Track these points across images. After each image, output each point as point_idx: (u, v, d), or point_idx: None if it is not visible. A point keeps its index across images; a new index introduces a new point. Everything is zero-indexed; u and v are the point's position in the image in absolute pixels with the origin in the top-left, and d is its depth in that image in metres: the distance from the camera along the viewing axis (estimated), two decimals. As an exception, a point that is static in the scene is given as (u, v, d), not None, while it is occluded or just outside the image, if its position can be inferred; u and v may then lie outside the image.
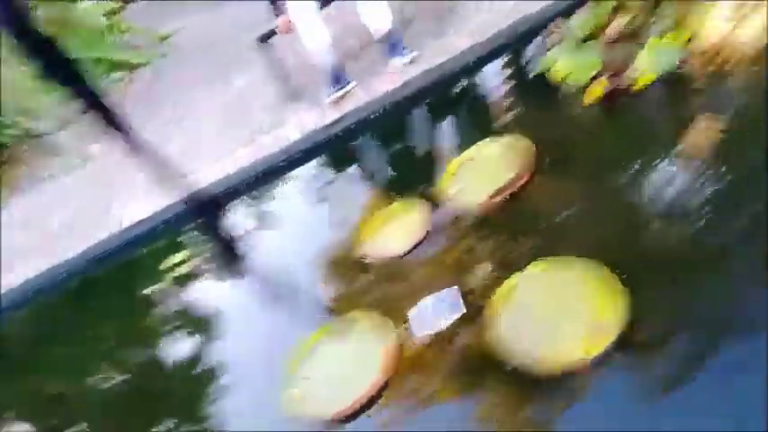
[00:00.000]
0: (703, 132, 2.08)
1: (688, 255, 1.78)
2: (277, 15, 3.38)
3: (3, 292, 3.29)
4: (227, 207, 3.31)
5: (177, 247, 3.28)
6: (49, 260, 3.39)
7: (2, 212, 4.44)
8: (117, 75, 5.31)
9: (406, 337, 1.93)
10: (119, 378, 2.70)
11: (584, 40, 2.83)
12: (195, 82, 4.84)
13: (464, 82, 3.36)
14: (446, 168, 2.60)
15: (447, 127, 3.18)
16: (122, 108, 5.06)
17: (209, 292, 2.94)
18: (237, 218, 3.30)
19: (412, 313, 1.98)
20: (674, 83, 2.41)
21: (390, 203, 2.60)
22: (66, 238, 3.55)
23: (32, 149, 4.98)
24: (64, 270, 3.34)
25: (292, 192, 3.36)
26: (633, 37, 2.68)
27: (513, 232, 2.15)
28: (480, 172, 2.47)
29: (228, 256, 3.09)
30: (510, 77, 3.28)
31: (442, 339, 1.87)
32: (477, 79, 3.37)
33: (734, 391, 1.36)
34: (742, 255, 1.67)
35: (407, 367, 1.87)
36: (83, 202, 3.98)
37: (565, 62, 2.75)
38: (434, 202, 2.46)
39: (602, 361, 1.55)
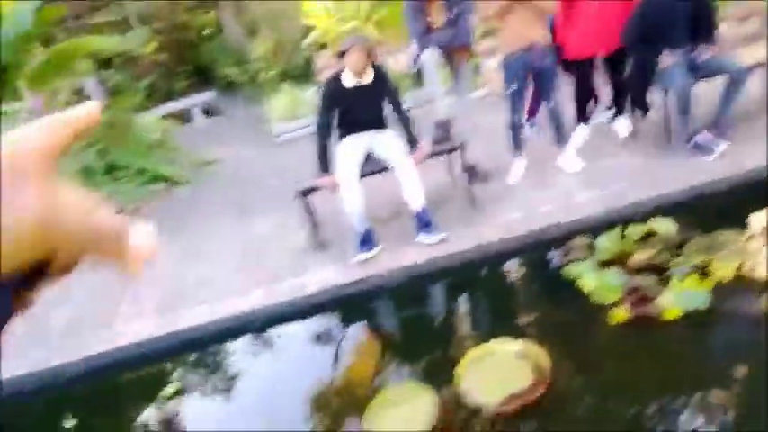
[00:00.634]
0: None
1: None
2: (323, 172, 3.62)
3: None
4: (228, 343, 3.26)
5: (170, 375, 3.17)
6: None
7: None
8: (155, 187, 5.53)
9: None
10: None
11: (608, 263, 2.98)
12: (226, 213, 5.02)
13: (488, 273, 3.46)
14: (460, 359, 2.58)
15: (466, 314, 3.21)
16: (150, 219, 5.24)
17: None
18: (235, 356, 3.23)
19: None
20: (701, 321, 2.47)
21: (398, 382, 2.55)
22: (62, 346, 3.46)
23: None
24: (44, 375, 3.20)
25: (299, 343, 3.31)
26: (657, 270, 2.82)
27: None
28: (495, 371, 2.44)
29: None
30: (533, 280, 3.39)
31: None
32: (502, 274, 3.48)
33: None
34: None
35: None
36: (85, 309, 3.92)
37: (590, 278, 2.86)
38: (444, 393, 2.40)
39: None
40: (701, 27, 3.76)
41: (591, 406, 2.21)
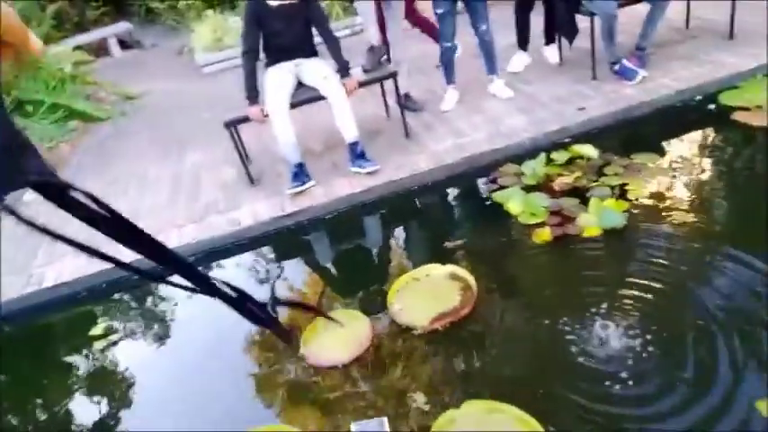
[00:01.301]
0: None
1: (611, 410, 1.87)
2: (252, 104, 3.49)
3: None
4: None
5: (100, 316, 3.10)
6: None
7: None
8: (72, 124, 5.19)
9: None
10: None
11: (535, 187, 3.09)
12: (154, 149, 4.80)
13: (420, 201, 3.52)
14: (392, 283, 2.65)
15: (397, 242, 3.27)
16: (69, 159, 4.95)
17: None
18: (165, 294, 3.18)
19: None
20: (617, 237, 2.63)
21: (335, 308, 2.60)
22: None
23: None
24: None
25: (233, 278, 3.28)
26: (579, 193, 2.95)
27: (450, 363, 2.18)
28: (425, 294, 2.53)
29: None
30: (465, 206, 3.48)
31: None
32: (433, 201, 3.55)
33: None
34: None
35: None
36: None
37: (516, 202, 2.96)
38: (377, 316, 2.48)
39: None
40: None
41: (514, 321, 2.34)
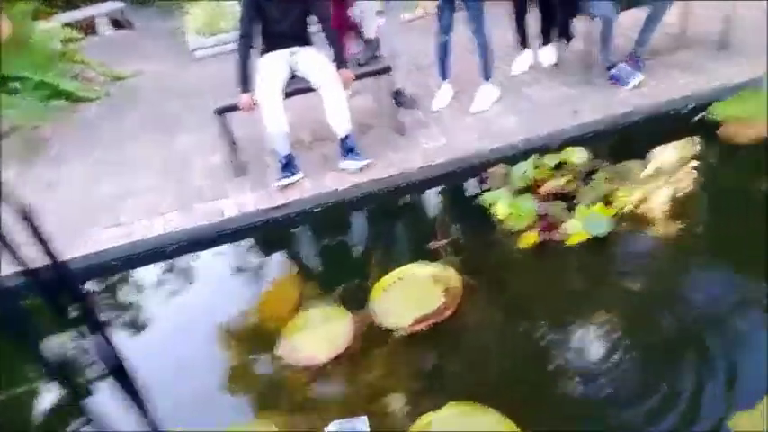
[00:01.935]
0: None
1: (589, 413, 1.87)
2: (243, 91, 3.44)
3: None
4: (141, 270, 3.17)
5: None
6: None
7: None
8: (58, 103, 5.09)
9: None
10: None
11: (523, 190, 3.08)
12: (142, 132, 4.72)
13: (409, 199, 3.49)
14: (375, 281, 2.63)
15: (384, 239, 3.25)
16: (53, 139, 4.86)
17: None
18: (147, 283, 3.14)
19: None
20: (602, 244, 2.63)
21: (316, 305, 2.57)
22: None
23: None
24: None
25: (215, 269, 3.24)
26: (566, 198, 2.94)
27: (431, 365, 2.17)
28: (408, 294, 2.51)
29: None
30: (453, 206, 3.46)
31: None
32: (421, 200, 3.52)
33: None
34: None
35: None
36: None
37: (504, 205, 2.95)
38: (360, 315, 2.45)
39: None
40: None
41: (497, 323, 2.34)
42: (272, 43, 3.54)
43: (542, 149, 3.41)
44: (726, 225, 2.72)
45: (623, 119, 3.62)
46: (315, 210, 3.35)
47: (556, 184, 3.03)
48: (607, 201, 2.86)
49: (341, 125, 3.47)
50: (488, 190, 3.16)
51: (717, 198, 2.95)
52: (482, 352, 2.21)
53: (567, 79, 4.16)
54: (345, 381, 2.17)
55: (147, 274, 3.20)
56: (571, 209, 2.83)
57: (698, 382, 1.89)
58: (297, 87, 3.53)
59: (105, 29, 8.19)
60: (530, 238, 2.71)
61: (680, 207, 2.82)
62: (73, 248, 3.12)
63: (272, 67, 3.47)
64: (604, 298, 2.32)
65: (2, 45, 4.82)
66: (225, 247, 3.28)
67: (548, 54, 4.44)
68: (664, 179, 3.02)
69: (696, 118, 3.56)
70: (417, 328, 2.32)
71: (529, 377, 2.06)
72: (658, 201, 2.85)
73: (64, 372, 2.15)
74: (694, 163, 3.20)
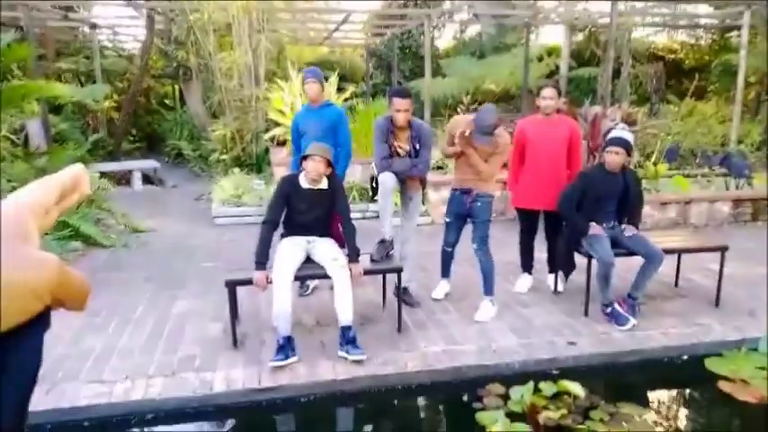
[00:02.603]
0: None
1: None
2: (258, 269, 3.56)
3: None
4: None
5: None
6: None
7: None
8: (75, 244, 5.24)
9: None
10: None
11: (519, 415, 3.02)
12: (147, 286, 4.77)
13: (401, 401, 3.40)
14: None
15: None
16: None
17: None
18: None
19: None
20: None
21: None
22: None
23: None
24: None
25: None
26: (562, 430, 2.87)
27: None
28: None
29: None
30: (445, 418, 3.36)
31: None
32: (414, 405, 3.43)
33: None
34: None
35: None
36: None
37: (499, 429, 2.86)
38: None
39: None
40: (628, 207, 4.19)
41: None
42: (294, 230, 3.77)
43: (540, 374, 3.42)
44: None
45: (618, 358, 3.68)
46: (303, 399, 3.25)
47: (552, 416, 2.98)
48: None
49: (345, 314, 3.53)
50: (483, 408, 3.10)
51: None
52: None
53: (566, 307, 4.32)
54: None
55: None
56: (568, 445, 2.75)
57: None
58: (309, 272, 3.68)
59: (137, 183, 8.74)
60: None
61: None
62: (47, 400, 2.97)
63: (290, 251, 3.65)
64: None
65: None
66: (204, 424, 3.11)
67: (552, 281, 4.66)
68: (662, 428, 2.97)
69: (692, 369, 3.62)
70: None
71: None
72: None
73: None
74: (692, 416, 3.17)
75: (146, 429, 3.02)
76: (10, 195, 0.36)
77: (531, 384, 3.24)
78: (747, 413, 3.18)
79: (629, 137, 4.10)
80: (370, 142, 4.55)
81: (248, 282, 3.60)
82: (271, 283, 3.51)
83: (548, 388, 3.26)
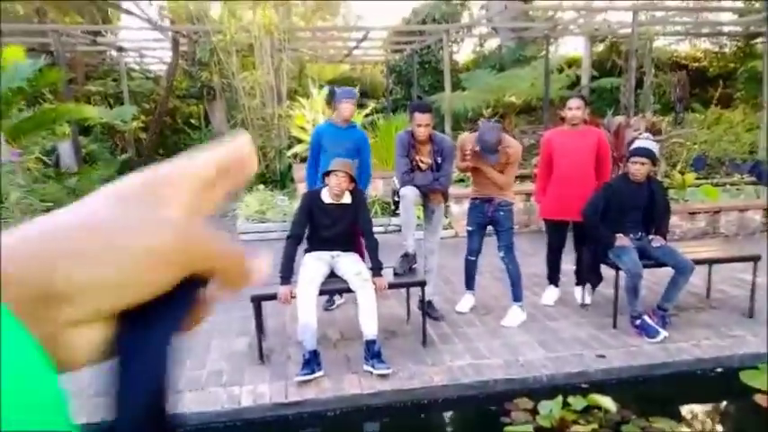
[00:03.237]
0: None
1: None
2: (283, 284, 3.59)
3: None
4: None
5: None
6: None
7: None
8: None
9: None
10: None
11: (548, 430, 2.97)
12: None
13: (427, 416, 3.38)
14: None
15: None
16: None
17: None
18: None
19: None
20: None
21: None
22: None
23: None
24: None
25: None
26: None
27: None
28: None
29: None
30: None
31: None
32: (441, 420, 3.40)
33: None
34: None
35: None
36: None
37: (528, 443, 2.82)
38: None
39: None
40: (654, 218, 4.12)
41: None
42: (318, 245, 3.80)
43: (566, 387, 3.37)
44: None
45: (649, 371, 3.60)
46: (328, 413, 3.25)
47: (582, 430, 2.93)
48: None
49: (369, 328, 3.53)
50: (511, 423, 3.06)
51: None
52: None
53: (594, 320, 4.25)
54: None
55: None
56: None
57: None
58: (333, 287, 3.70)
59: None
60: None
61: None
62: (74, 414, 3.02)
63: (314, 266, 3.67)
64: None
65: (67, 203, 5.26)
66: (230, 439, 3.12)
67: (579, 293, 4.60)
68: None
69: (726, 382, 3.52)
70: None
71: None
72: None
73: None
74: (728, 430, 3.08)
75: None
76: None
77: (560, 398, 3.19)
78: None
79: (652, 146, 4.05)
80: (391, 157, 4.60)
81: (273, 297, 3.63)
82: (295, 297, 3.54)
83: (577, 402, 3.21)
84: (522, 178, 7.28)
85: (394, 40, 13.30)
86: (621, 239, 4.00)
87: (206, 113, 12.34)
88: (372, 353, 3.53)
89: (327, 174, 3.71)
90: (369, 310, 3.53)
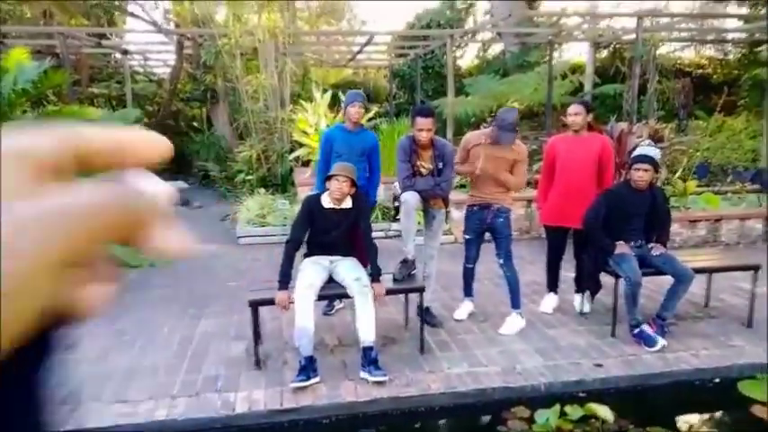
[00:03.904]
0: None
1: None
2: (281, 289, 3.58)
3: None
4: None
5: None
6: None
7: None
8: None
9: None
10: None
11: (545, 439, 2.95)
12: (171, 305, 4.84)
13: (424, 424, 3.36)
14: None
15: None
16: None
17: None
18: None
19: None
20: None
21: None
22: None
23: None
24: None
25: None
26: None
27: None
28: None
29: None
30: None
31: None
32: (437, 428, 3.38)
33: None
34: None
35: None
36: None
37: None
38: None
39: None
40: (655, 225, 4.11)
41: None
42: (317, 250, 3.79)
43: (564, 396, 3.35)
44: None
45: (647, 380, 3.58)
46: (324, 421, 3.24)
47: (580, 439, 2.91)
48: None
49: (367, 334, 3.52)
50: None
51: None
52: None
53: (593, 328, 4.23)
54: None
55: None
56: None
57: None
58: (331, 293, 3.69)
59: (163, 203, 8.92)
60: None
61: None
62: (72, 420, 3.01)
63: (312, 271, 3.66)
64: None
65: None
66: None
67: (578, 301, 4.58)
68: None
69: (724, 392, 3.50)
70: None
71: None
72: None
73: None
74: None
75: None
76: None
77: (557, 407, 3.17)
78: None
79: (654, 153, 4.04)
80: (393, 161, 4.58)
81: (271, 302, 3.62)
82: (293, 303, 3.53)
83: (574, 411, 3.19)
84: (523, 184, 7.25)
85: (398, 44, 13.32)
86: (622, 247, 3.99)
87: (209, 116, 12.37)
88: (369, 359, 3.52)
89: (329, 178, 3.71)
90: (367, 316, 3.52)
